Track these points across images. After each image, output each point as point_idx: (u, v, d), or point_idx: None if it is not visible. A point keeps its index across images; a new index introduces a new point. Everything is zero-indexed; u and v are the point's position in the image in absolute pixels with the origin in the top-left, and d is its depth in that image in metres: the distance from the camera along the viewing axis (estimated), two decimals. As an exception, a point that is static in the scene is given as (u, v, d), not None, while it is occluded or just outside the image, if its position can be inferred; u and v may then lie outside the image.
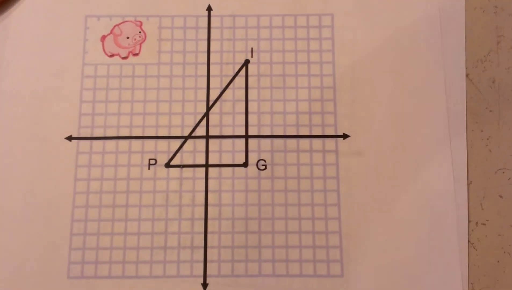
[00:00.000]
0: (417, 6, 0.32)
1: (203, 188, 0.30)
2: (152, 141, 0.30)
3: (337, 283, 0.28)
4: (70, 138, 0.31)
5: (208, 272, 0.29)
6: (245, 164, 0.30)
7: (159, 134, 0.31)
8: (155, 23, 0.32)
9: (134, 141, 0.30)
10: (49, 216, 0.29)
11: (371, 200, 0.29)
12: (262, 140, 0.30)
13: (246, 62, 0.32)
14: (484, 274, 0.29)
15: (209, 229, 0.29)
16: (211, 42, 0.32)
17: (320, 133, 0.30)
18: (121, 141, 0.30)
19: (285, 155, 0.30)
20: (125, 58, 0.32)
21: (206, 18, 0.32)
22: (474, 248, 0.29)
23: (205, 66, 0.31)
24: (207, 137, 0.31)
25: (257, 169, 0.30)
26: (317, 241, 0.29)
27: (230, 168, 0.30)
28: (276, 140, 0.30)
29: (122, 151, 0.30)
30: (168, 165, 0.30)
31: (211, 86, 0.31)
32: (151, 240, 0.29)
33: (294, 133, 0.30)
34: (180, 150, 0.30)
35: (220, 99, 0.31)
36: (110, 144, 0.30)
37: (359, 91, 0.31)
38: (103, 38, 0.32)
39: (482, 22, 0.32)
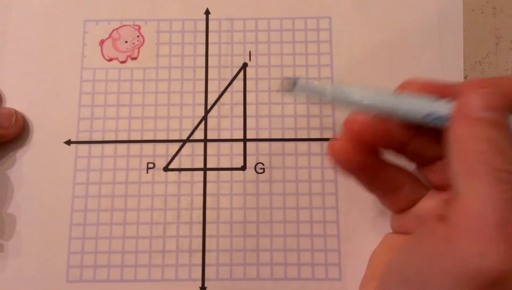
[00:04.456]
0: (415, 8, 0.32)
1: (201, 192, 0.30)
2: (151, 145, 0.31)
3: (335, 287, 0.28)
4: (68, 142, 0.31)
5: (206, 276, 0.29)
6: (243, 168, 0.30)
7: (158, 138, 0.31)
8: (153, 27, 0.32)
9: (132, 145, 0.31)
10: (47, 220, 0.30)
11: (370, 203, 0.29)
12: (260, 144, 0.30)
13: (244, 65, 0.32)
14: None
15: (207, 233, 0.29)
16: (209, 46, 0.32)
17: (318, 136, 0.30)
18: (119, 145, 0.31)
19: (283, 158, 0.30)
20: (124, 62, 0.32)
21: (204, 22, 0.32)
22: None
23: (203, 70, 0.32)
24: (205, 140, 0.31)
25: (255, 172, 0.30)
26: (316, 245, 0.29)
27: (228, 172, 0.30)
28: (274, 143, 0.30)
29: (121, 155, 0.30)
30: (166, 168, 0.30)
31: (209, 89, 0.31)
32: (150, 243, 0.29)
33: (292, 136, 0.30)
34: (178, 154, 0.30)
35: (218, 103, 0.31)
36: (109, 148, 0.31)
37: (357, 94, 0.31)
38: (102, 42, 0.32)
39: (481, 24, 0.32)
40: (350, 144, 0.22)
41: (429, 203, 0.23)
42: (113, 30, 0.32)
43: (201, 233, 0.29)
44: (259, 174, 0.30)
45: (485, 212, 0.17)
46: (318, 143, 0.30)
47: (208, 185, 0.30)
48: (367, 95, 0.22)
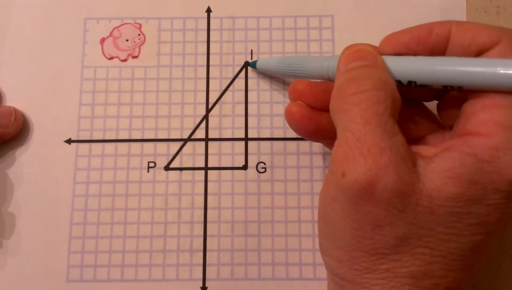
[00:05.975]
0: (418, 7, 0.32)
1: (203, 191, 0.30)
2: (152, 144, 0.30)
3: (337, 287, 0.28)
4: (69, 141, 0.30)
5: (207, 276, 0.29)
6: (245, 167, 0.30)
7: (159, 137, 0.30)
8: (155, 25, 0.32)
9: (133, 144, 0.30)
10: (47, 219, 0.29)
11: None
12: (262, 143, 0.30)
13: (246, 64, 0.31)
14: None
15: (208, 232, 0.29)
16: (211, 44, 0.32)
17: (320, 136, 0.30)
18: (120, 144, 0.30)
19: (285, 158, 0.30)
20: (124, 60, 0.31)
21: (206, 20, 0.32)
22: (476, 251, 0.29)
23: (205, 68, 0.31)
24: (207, 139, 0.30)
25: (256, 171, 0.30)
26: (317, 244, 0.29)
27: (230, 171, 0.30)
28: (275, 143, 0.30)
29: (121, 154, 0.30)
30: (167, 168, 0.30)
31: (210, 88, 0.31)
32: (150, 243, 0.29)
33: (294, 136, 0.30)
34: (180, 153, 0.30)
35: (219, 102, 0.31)
36: (109, 147, 0.30)
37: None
38: (102, 40, 0.32)
39: (484, 23, 0.32)
40: (301, 108, 0.25)
41: None
42: (114, 28, 0.32)
43: (202, 233, 0.29)
44: (261, 174, 0.30)
45: (347, 137, 0.20)
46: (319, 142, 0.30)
47: (209, 184, 0.30)
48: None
